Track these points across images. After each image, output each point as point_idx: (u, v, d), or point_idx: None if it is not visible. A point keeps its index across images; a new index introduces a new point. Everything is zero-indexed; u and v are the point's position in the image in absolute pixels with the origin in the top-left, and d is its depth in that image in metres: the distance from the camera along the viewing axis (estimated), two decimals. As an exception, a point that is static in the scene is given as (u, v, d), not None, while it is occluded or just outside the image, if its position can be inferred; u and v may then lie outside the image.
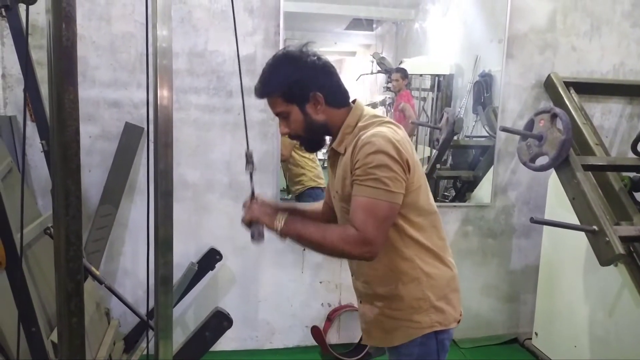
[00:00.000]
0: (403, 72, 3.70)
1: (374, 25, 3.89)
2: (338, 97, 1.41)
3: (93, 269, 2.13)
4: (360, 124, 1.39)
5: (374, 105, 3.63)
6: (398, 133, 1.34)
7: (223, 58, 2.68)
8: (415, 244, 1.39)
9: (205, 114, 2.72)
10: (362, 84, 3.67)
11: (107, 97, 2.62)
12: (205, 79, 2.69)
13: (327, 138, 1.50)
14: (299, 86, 1.36)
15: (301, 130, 1.40)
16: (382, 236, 1.30)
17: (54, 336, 1.85)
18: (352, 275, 1.55)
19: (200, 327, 1.82)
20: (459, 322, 1.47)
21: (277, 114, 1.41)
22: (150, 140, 1.14)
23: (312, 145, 1.49)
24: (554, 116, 2.32)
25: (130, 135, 2.58)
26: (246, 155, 1.57)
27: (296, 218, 1.38)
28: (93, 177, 2.65)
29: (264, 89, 1.39)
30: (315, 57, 1.37)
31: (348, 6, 3.26)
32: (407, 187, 1.32)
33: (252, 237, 1.38)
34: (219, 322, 1.81)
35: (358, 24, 3.52)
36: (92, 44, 2.56)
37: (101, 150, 2.64)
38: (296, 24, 2.90)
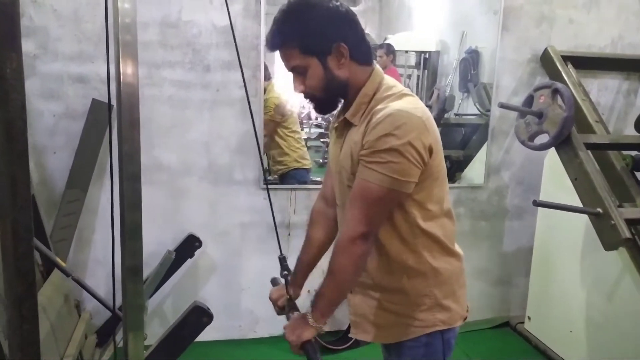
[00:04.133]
0: (387, 48, 3.53)
1: (358, 1, 3.71)
2: (363, 51, 1.22)
3: (58, 260, 1.94)
4: (377, 96, 1.21)
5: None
6: (418, 108, 1.16)
7: (199, 29, 2.46)
8: (424, 236, 1.24)
9: (180, 90, 2.51)
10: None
11: (72, 71, 2.38)
12: (179, 52, 2.47)
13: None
14: (320, 35, 1.16)
15: (319, 88, 1.21)
16: (378, 223, 1.19)
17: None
18: None
19: (177, 324, 1.65)
20: (465, 319, 1.34)
21: (291, 69, 1.22)
22: (114, 119, 0.97)
23: (327, 106, 1.30)
24: (555, 92, 2.19)
25: (98, 113, 2.36)
26: (280, 260, 1.46)
27: (316, 295, 1.25)
28: (58, 160, 2.44)
29: (278, 38, 1.19)
30: (338, 3, 1.19)
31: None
32: (426, 172, 1.17)
33: None
34: (198, 317, 1.65)
35: (341, -1, 3.35)
36: (53, 13, 2.31)
37: (66, 130, 2.42)
38: (277, -1, 2.70)
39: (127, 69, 0.99)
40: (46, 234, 2.23)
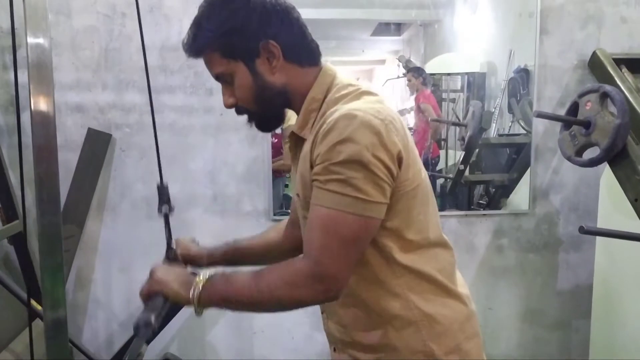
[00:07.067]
0: (414, 71, 3.30)
1: (401, 30, 3.56)
2: (302, 50, 0.99)
3: (33, 301, 1.77)
4: (329, 98, 0.96)
5: (402, 112, 3.26)
6: (383, 109, 0.90)
7: (200, 50, 2.31)
8: (409, 274, 0.95)
9: (182, 116, 2.34)
10: (391, 90, 3.31)
11: (70, 100, 2.28)
12: (180, 76, 2.32)
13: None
14: (241, 33, 0.95)
15: (251, 99, 0.99)
16: (348, 265, 0.89)
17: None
18: (321, 313, 1.11)
19: (143, 380, 1.41)
20: None
21: (217, 78, 1.00)
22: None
23: (267, 122, 1.06)
24: (604, 96, 1.82)
25: (94, 144, 2.23)
26: (158, 189, 1.25)
27: (224, 275, 0.94)
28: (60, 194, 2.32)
29: (194, 44, 0.98)
30: None
31: (372, 10, 2.96)
32: (398, 190, 0.90)
33: (136, 328, 0.90)
34: (168, 372, 1.40)
35: (384, 29, 3.24)
36: (51, 42, 2.24)
37: (65, 162, 2.28)
38: (319, 31, 2.58)
39: (39, 97, 1.01)
40: (36, 273, 2.09)
